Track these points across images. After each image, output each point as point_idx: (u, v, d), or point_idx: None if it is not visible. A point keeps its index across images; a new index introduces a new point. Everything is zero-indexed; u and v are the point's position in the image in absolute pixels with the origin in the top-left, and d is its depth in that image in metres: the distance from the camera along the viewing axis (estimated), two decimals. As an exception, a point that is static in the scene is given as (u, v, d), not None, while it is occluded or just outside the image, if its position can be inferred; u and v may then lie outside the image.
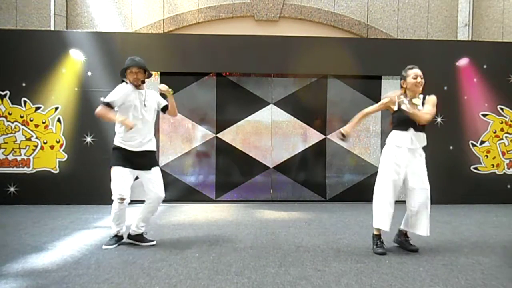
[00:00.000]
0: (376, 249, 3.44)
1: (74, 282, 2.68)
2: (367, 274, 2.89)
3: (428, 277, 2.84)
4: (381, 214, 3.41)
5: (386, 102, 3.45)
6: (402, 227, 3.59)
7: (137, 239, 3.64)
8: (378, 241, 3.48)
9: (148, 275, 2.83)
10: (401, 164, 3.37)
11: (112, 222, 3.58)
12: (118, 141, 3.53)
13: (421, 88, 3.44)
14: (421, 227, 3.40)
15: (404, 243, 3.55)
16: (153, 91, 3.75)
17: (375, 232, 3.53)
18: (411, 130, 3.35)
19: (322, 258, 3.27)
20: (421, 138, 3.41)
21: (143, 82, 3.54)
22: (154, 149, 3.69)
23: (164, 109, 3.76)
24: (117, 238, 3.61)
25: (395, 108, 3.40)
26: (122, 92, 3.44)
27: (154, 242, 3.66)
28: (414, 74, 3.40)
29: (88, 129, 5.78)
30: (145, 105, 3.52)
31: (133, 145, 3.49)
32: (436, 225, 4.54)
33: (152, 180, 3.57)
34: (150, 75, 3.66)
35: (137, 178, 3.65)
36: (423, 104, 3.42)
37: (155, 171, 3.61)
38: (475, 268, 3.03)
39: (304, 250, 3.49)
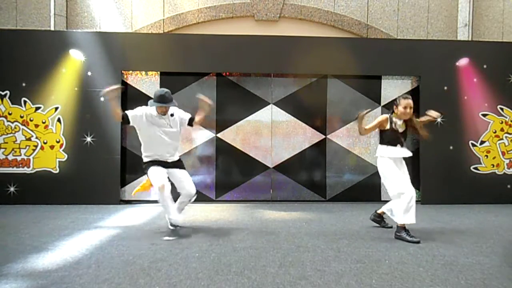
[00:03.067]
0: (414, 239, 3.77)
1: (74, 282, 2.68)
2: (367, 274, 2.89)
3: (428, 277, 2.84)
4: (413, 210, 3.85)
5: (382, 120, 4.02)
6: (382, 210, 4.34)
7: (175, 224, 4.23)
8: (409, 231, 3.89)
9: (148, 275, 2.83)
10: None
11: (166, 213, 4.06)
12: (147, 159, 4.14)
13: (406, 117, 3.99)
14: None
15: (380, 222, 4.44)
16: (176, 110, 4.18)
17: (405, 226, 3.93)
18: (399, 146, 4.02)
19: (322, 258, 3.27)
20: (406, 151, 4.06)
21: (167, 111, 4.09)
22: (178, 158, 4.27)
23: (190, 122, 4.24)
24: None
25: (388, 126, 4.00)
26: (142, 111, 4.06)
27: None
28: (405, 104, 3.95)
29: (88, 129, 5.79)
30: (171, 126, 4.10)
31: (160, 158, 4.10)
32: (436, 225, 4.55)
33: (183, 179, 4.10)
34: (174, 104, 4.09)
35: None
36: (406, 126, 4.04)
37: (184, 172, 4.17)
38: (475, 268, 3.03)
39: (304, 250, 3.49)
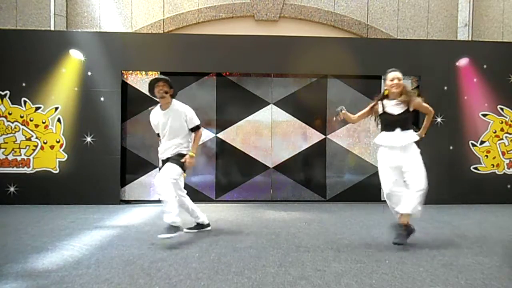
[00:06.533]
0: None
1: (74, 282, 2.68)
2: (367, 274, 2.88)
3: (428, 277, 2.83)
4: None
5: (372, 104, 3.76)
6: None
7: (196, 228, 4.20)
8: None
9: (148, 275, 2.83)
10: (394, 163, 3.63)
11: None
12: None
13: (398, 90, 3.61)
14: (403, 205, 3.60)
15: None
16: (183, 109, 3.92)
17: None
18: (398, 130, 3.60)
19: (322, 258, 3.27)
20: (409, 136, 3.61)
21: (166, 93, 3.83)
22: (175, 153, 3.92)
23: (193, 130, 4.00)
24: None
25: (380, 111, 3.69)
26: (152, 118, 4.01)
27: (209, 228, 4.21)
28: (391, 77, 3.65)
29: (88, 129, 5.79)
30: (168, 123, 3.88)
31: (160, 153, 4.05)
32: (436, 225, 4.55)
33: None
34: (174, 92, 3.95)
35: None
36: (408, 107, 3.61)
37: (167, 164, 3.87)
38: (475, 268, 3.03)
39: (304, 250, 3.49)
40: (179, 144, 3.92)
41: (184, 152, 3.92)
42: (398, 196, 3.61)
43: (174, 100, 3.95)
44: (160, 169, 4.00)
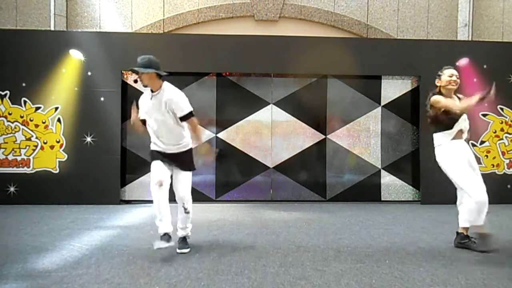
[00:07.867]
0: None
1: (74, 282, 2.68)
2: (367, 274, 2.88)
3: (428, 277, 2.83)
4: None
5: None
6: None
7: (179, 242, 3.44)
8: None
9: (148, 275, 2.82)
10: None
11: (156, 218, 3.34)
12: (151, 145, 3.48)
13: (456, 87, 3.56)
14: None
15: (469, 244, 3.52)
16: (171, 93, 3.41)
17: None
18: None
19: (322, 258, 3.27)
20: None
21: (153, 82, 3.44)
22: (183, 150, 3.47)
23: (182, 119, 3.43)
24: (166, 237, 3.26)
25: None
26: (140, 103, 3.56)
27: (187, 250, 3.41)
28: (449, 73, 3.53)
29: (88, 129, 5.79)
30: (157, 108, 3.36)
31: (160, 147, 3.41)
32: (436, 225, 4.56)
33: (177, 180, 3.42)
34: (160, 75, 3.49)
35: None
36: None
37: (184, 174, 3.44)
38: (475, 268, 3.03)
39: (304, 250, 3.49)
40: (179, 135, 3.50)
41: (185, 150, 3.52)
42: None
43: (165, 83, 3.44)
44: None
